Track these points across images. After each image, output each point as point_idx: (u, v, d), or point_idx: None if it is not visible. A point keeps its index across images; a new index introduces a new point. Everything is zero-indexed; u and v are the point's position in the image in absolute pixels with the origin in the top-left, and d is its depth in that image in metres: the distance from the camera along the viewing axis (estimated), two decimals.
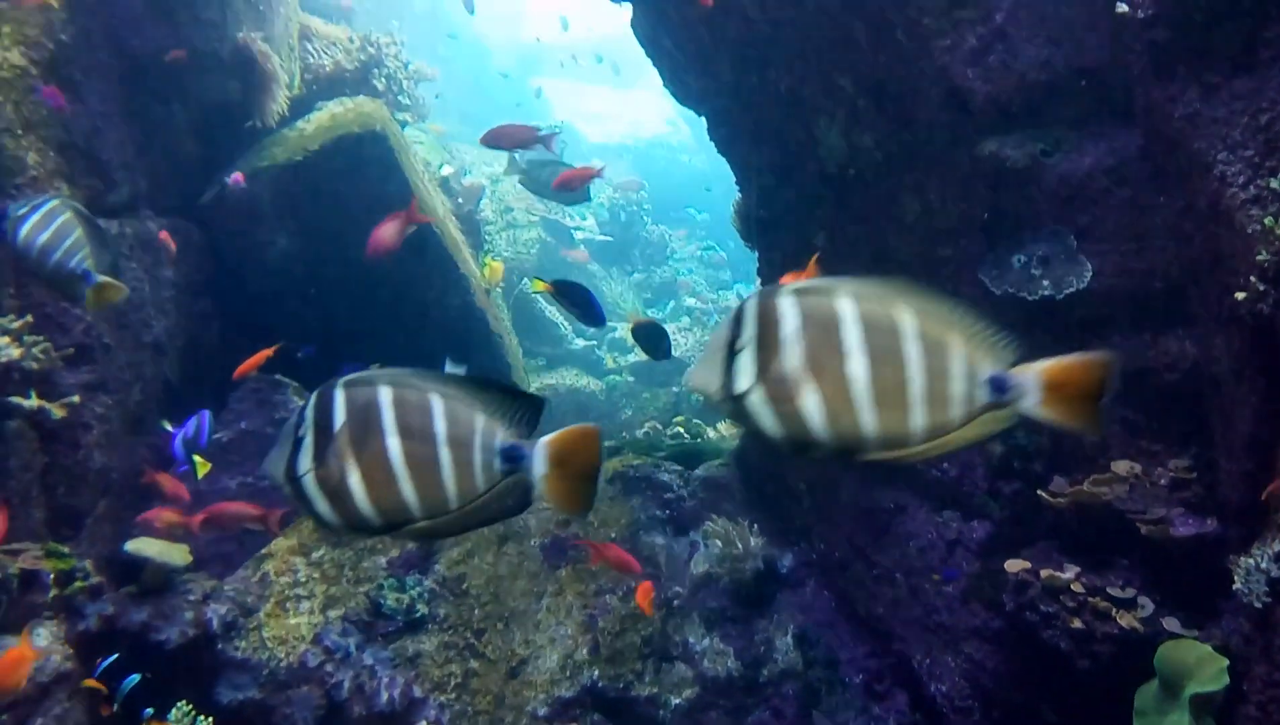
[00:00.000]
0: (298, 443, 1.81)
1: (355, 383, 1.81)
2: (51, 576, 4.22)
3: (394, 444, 1.78)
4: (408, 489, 1.79)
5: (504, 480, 1.83)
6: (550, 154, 5.43)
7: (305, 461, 1.80)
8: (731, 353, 1.69)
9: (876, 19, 4.31)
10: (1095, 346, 4.00)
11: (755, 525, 5.20)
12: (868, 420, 1.65)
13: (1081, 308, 3.97)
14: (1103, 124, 4.01)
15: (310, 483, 1.80)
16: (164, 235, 5.71)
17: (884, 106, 4.47)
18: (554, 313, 10.51)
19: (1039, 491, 4.04)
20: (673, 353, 4.92)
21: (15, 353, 4.30)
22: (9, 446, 4.36)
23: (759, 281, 5.60)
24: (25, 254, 3.43)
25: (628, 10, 5.57)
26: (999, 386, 1.67)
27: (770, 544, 5.16)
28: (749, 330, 1.68)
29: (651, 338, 4.93)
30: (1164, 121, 3.47)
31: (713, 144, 5.47)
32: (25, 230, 3.39)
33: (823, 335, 1.65)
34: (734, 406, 1.70)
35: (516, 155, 5.34)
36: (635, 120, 19.82)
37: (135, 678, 4.08)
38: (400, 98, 8.45)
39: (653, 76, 5.64)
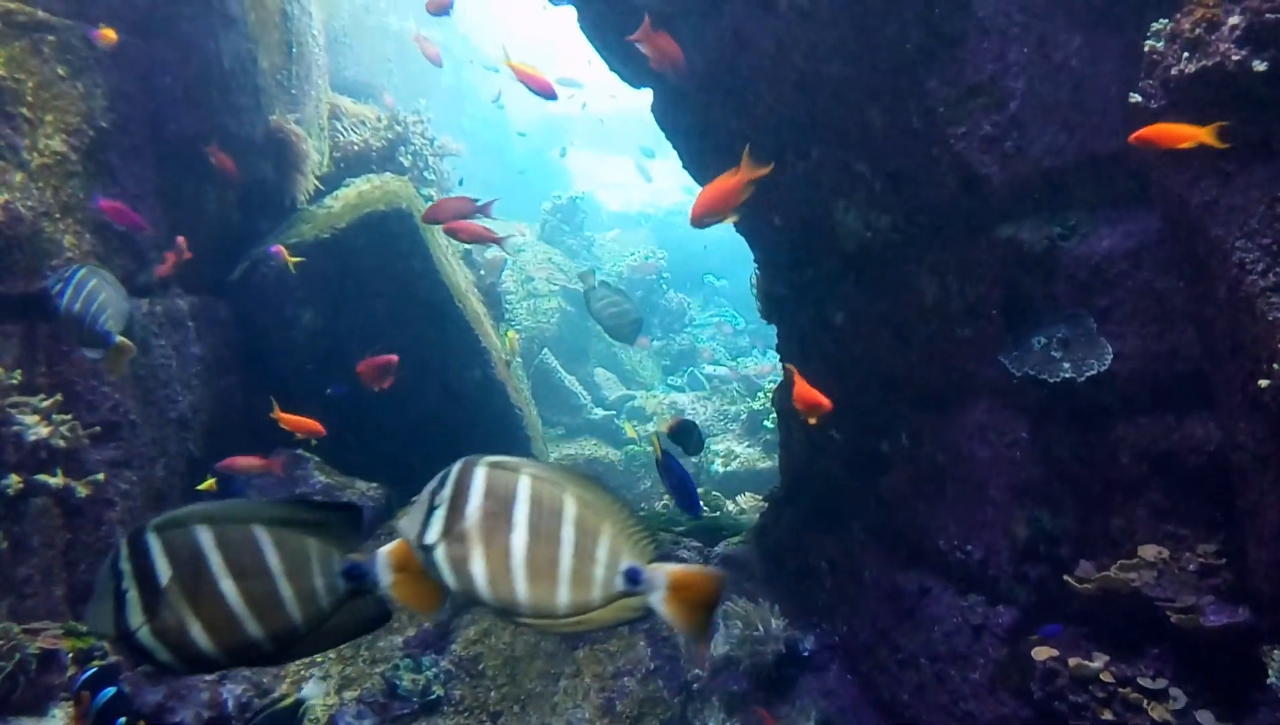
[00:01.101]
0: (120, 596, 1.76)
1: (168, 527, 1.79)
2: (70, 655, 4.22)
3: (229, 587, 1.78)
4: (253, 627, 1.80)
5: (351, 598, 1.88)
6: (618, 291, 5.70)
7: (135, 617, 1.76)
8: (431, 507, 1.82)
9: (892, 107, 4.40)
10: (1118, 431, 3.99)
11: (776, 606, 5.14)
12: (520, 589, 1.79)
13: (1103, 390, 3.96)
14: (1119, 208, 4.04)
15: (147, 637, 1.77)
16: (218, 156, 5.88)
17: (901, 190, 4.52)
18: (573, 382, 10.56)
19: (1065, 576, 3.98)
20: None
21: (44, 431, 4.37)
22: (33, 524, 4.40)
23: (778, 357, 5.62)
24: (65, 320, 3.91)
25: (648, 92, 5.70)
26: (633, 578, 1.80)
27: (792, 625, 5.09)
28: (446, 491, 1.82)
29: (685, 436, 5.03)
30: (1181, 208, 3.50)
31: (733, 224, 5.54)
32: (65, 300, 3.87)
33: (498, 508, 1.80)
34: (423, 555, 1.82)
35: (591, 295, 5.60)
36: (655, 189, 20.09)
37: (110, 691, 3.99)
38: (426, 173, 8.66)
39: (670, 148, 5.74)
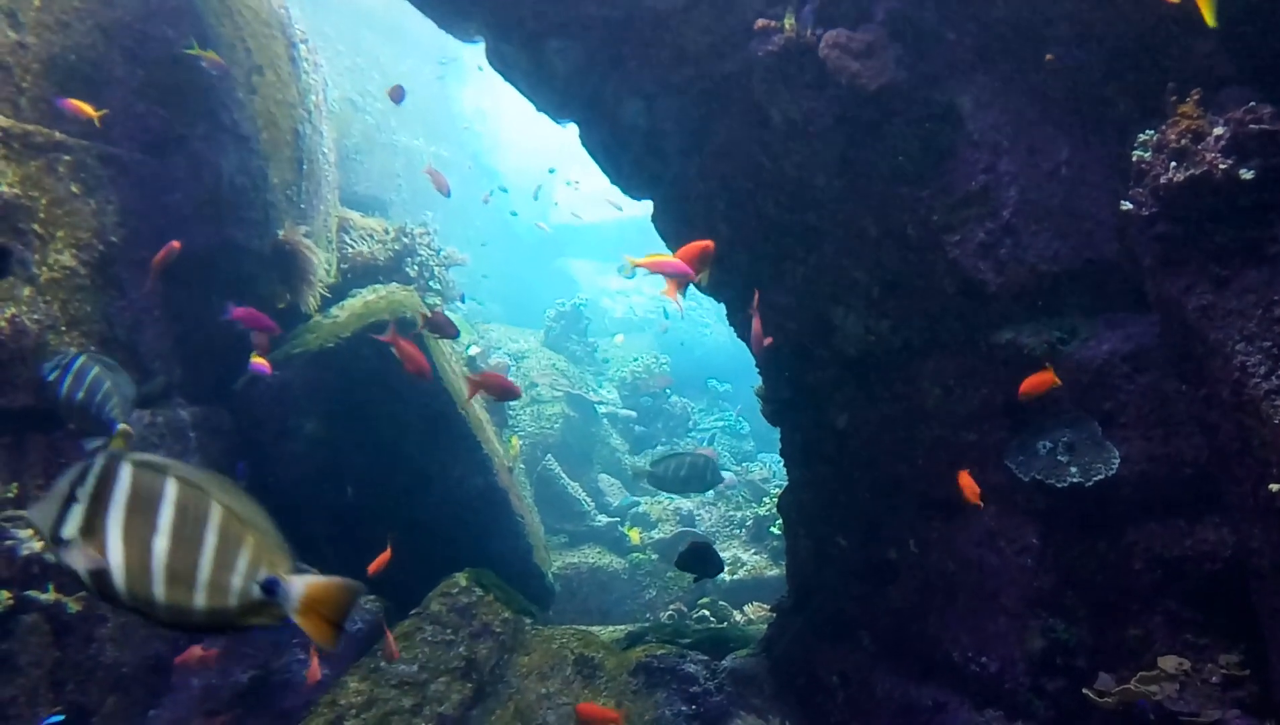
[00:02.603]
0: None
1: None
2: None
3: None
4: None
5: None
6: (670, 455, 5.96)
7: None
8: (70, 500, 1.82)
9: (887, 216, 4.48)
10: (1129, 537, 3.92)
11: (787, 723, 4.96)
12: (158, 592, 1.82)
13: (1112, 495, 3.90)
14: (1117, 312, 4.06)
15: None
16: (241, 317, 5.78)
17: (899, 296, 4.56)
18: (576, 489, 10.45)
19: (1084, 689, 3.85)
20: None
21: (37, 546, 4.31)
22: (21, 642, 4.30)
23: (783, 461, 5.57)
24: (65, 409, 3.98)
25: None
26: (270, 589, 1.88)
27: None
28: (88, 485, 1.82)
29: (699, 560, 5.05)
30: (1178, 312, 3.51)
31: (732, 329, 5.58)
32: (65, 389, 3.97)
33: (142, 508, 1.82)
34: (56, 548, 1.83)
35: (642, 462, 5.84)
36: (657, 296, 20.35)
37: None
38: (431, 283, 8.77)
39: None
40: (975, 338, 4.36)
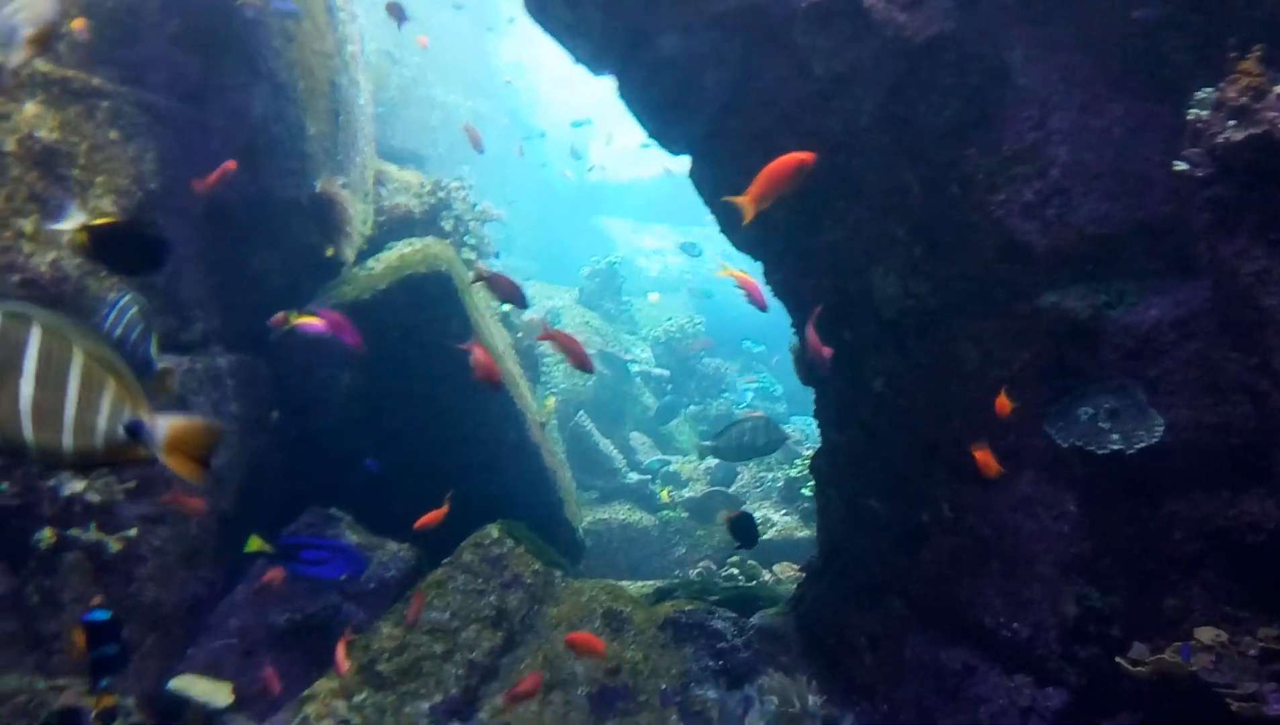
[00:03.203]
0: None
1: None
2: (94, 714, 4.16)
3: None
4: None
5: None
6: (731, 427, 5.94)
7: None
8: None
9: (930, 173, 4.37)
10: (1171, 506, 3.84)
11: (814, 681, 4.97)
12: (28, 434, 1.92)
13: (1154, 463, 3.82)
14: (1167, 276, 3.95)
15: None
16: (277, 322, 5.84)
17: (940, 256, 4.47)
18: (608, 446, 10.48)
19: (1118, 658, 3.80)
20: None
21: (79, 486, 4.40)
22: (63, 579, 4.40)
23: (817, 424, 5.53)
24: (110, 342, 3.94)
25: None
26: (134, 430, 1.98)
27: (830, 702, 4.91)
28: None
29: (743, 530, 5.09)
30: (1231, 277, 3.41)
31: (769, 287, 5.51)
32: (107, 325, 4.06)
33: (8, 356, 1.90)
34: None
35: (711, 442, 5.79)
36: (679, 242, 20.19)
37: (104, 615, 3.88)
38: (466, 238, 8.76)
39: (710, 214, 5.75)
40: (1018, 301, 4.26)
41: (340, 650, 4.77)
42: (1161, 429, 3.83)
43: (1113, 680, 3.93)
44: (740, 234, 5.62)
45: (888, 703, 4.88)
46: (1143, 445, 3.84)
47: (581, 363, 5.09)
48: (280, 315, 5.89)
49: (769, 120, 4.82)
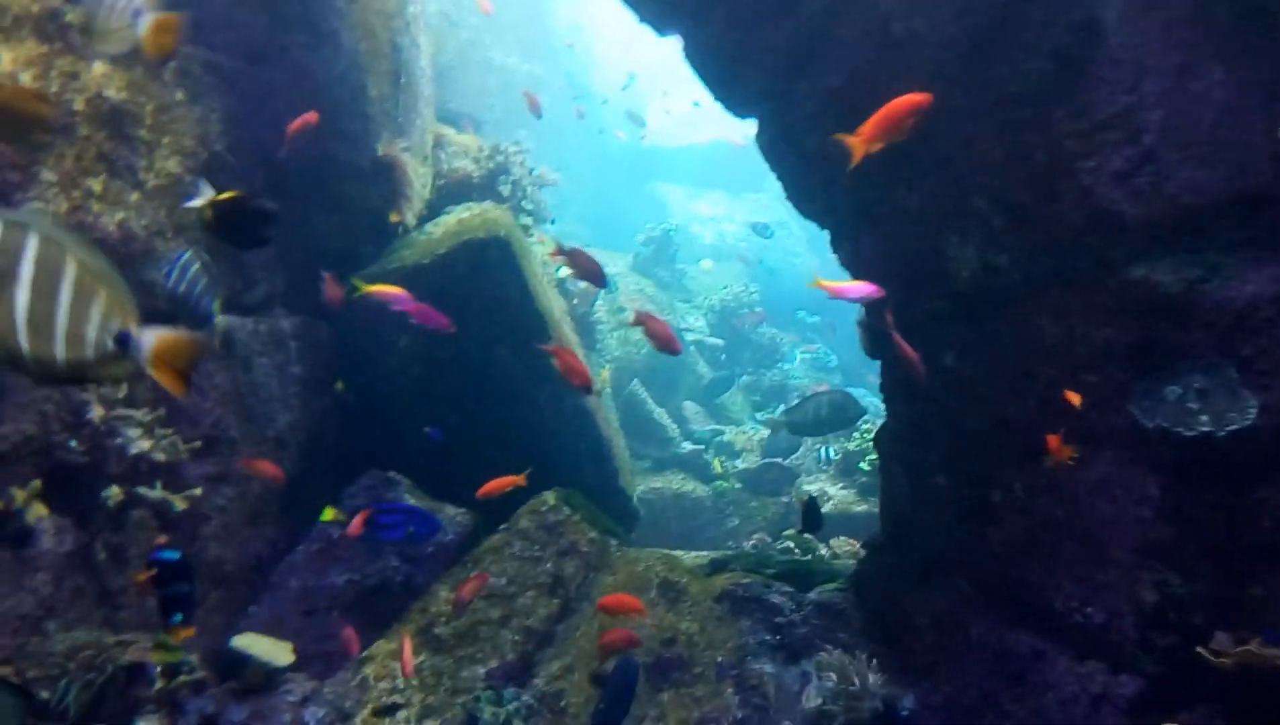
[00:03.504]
0: None
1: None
2: (158, 669, 4.23)
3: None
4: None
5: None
6: (804, 400, 5.87)
7: None
8: None
9: (1014, 138, 4.18)
10: (1260, 493, 3.66)
11: (874, 660, 4.88)
12: (24, 343, 1.95)
13: (1245, 447, 3.64)
14: (1265, 249, 3.73)
15: None
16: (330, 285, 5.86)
17: (1022, 226, 4.29)
18: (662, 415, 10.42)
19: (1198, 648, 3.65)
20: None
21: (145, 445, 4.44)
22: (129, 535, 4.46)
23: (882, 397, 5.39)
24: (169, 299, 4.25)
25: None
26: (122, 341, 2.02)
27: (890, 681, 4.82)
28: None
29: (811, 515, 5.12)
30: None
31: (835, 257, 5.36)
32: (170, 281, 4.23)
33: (6, 263, 1.92)
34: None
35: (784, 416, 5.72)
36: (748, 222, 19.94)
37: (175, 555, 3.93)
38: (524, 203, 8.69)
39: (767, 180, 5.60)
40: (1104, 274, 4.07)
41: (348, 633, 4.81)
42: (1254, 411, 3.65)
43: (1192, 670, 3.78)
44: (805, 200, 5.48)
45: (950, 684, 4.78)
46: (1234, 428, 3.66)
47: (669, 345, 5.02)
48: (330, 281, 5.89)
49: (842, 81, 4.65)
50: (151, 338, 2.05)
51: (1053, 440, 4.05)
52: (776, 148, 5.32)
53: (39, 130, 4.09)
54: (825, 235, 5.46)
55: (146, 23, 3.18)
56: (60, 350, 1.98)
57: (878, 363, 5.41)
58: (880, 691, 4.71)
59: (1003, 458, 4.56)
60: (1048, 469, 4.16)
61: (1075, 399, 4.04)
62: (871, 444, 8.62)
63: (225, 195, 3.55)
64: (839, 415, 6.04)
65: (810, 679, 5.05)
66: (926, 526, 5.03)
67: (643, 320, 5.11)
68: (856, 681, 4.78)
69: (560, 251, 5.55)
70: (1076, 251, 4.15)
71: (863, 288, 3.99)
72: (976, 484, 4.71)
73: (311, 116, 5.40)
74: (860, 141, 3.76)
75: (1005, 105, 4.17)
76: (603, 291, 11.47)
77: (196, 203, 3.54)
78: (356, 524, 4.77)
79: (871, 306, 5.18)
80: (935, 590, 4.96)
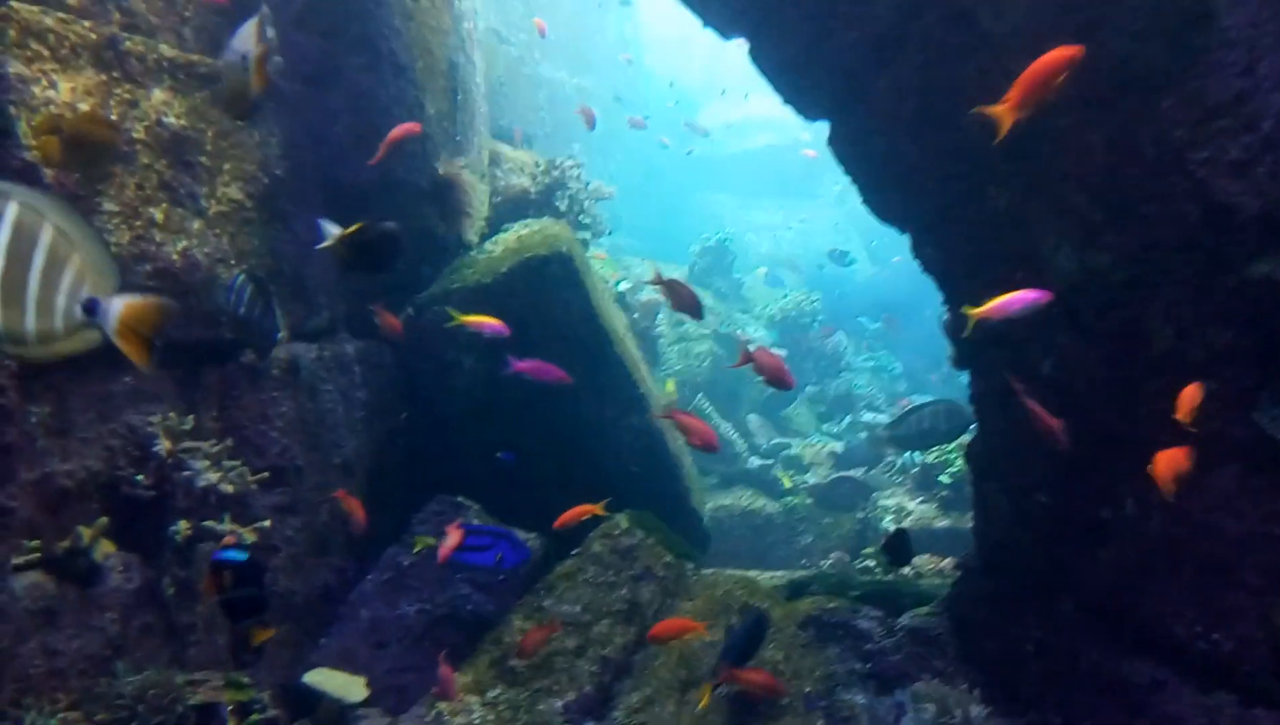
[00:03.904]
0: None
1: None
2: (229, 708, 4.11)
3: None
4: None
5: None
6: (911, 413, 5.66)
7: None
8: None
9: (1118, 130, 3.89)
10: None
11: (976, 690, 4.59)
12: None
13: None
14: None
15: None
16: (384, 317, 5.79)
17: (1126, 224, 3.99)
18: (728, 429, 10.18)
19: None
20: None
21: (214, 477, 4.34)
22: (199, 570, 4.36)
23: (973, 408, 5.10)
24: (232, 321, 4.34)
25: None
26: (90, 309, 1.95)
27: (994, 714, 4.52)
28: None
29: (899, 547, 4.95)
30: None
31: (918, 261, 5.09)
32: (232, 301, 4.27)
33: None
34: None
35: (887, 430, 5.52)
36: (804, 230, 19.63)
37: (242, 555, 3.77)
38: (581, 217, 8.55)
39: (821, 185, 5.38)
40: (1221, 272, 3.76)
41: (446, 672, 4.62)
42: None
43: None
44: (883, 202, 5.22)
45: (1059, 716, 4.46)
46: None
47: (782, 380, 4.79)
48: (381, 312, 5.79)
49: (922, 79, 4.40)
50: (120, 305, 2.00)
51: (1163, 457, 3.71)
52: (851, 150, 5.08)
53: (107, 158, 4.02)
54: (883, 242, 5.22)
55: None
56: (30, 322, 1.92)
57: (941, 367, 5.15)
58: (984, 724, 4.42)
59: (1112, 472, 4.24)
60: (1175, 478, 3.84)
61: (1191, 406, 3.70)
62: (952, 456, 8.30)
63: (352, 229, 3.65)
64: (945, 426, 5.75)
65: (905, 710, 4.77)
66: (1027, 547, 4.72)
67: (754, 356, 4.86)
68: (958, 713, 4.50)
69: (659, 281, 5.36)
70: (1190, 249, 3.84)
71: (1023, 298, 3.64)
72: (1083, 501, 4.40)
73: (415, 127, 5.34)
74: (1008, 109, 3.46)
75: (1108, 95, 3.89)
76: (663, 305, 11.30)
77: (329, 242, 3.63)
78: (447, 548, 4.62)
79: (959, 317, 4.91)
80: (1040, 615, 4.65)
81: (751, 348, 5.08)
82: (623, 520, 5.88)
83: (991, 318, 3.79)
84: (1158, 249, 3.93)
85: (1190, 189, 3.75)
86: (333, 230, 3.66)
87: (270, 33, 3.43)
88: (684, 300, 5.31)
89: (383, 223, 3.79)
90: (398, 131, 5.30)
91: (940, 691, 4.58)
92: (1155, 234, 3.91)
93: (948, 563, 6.76)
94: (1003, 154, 4.30)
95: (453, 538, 4.65)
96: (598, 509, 5.21)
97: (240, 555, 3.57)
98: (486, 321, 5.27)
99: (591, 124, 11.31)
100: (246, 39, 3.23)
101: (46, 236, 1.93)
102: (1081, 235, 4.15)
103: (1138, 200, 3.93)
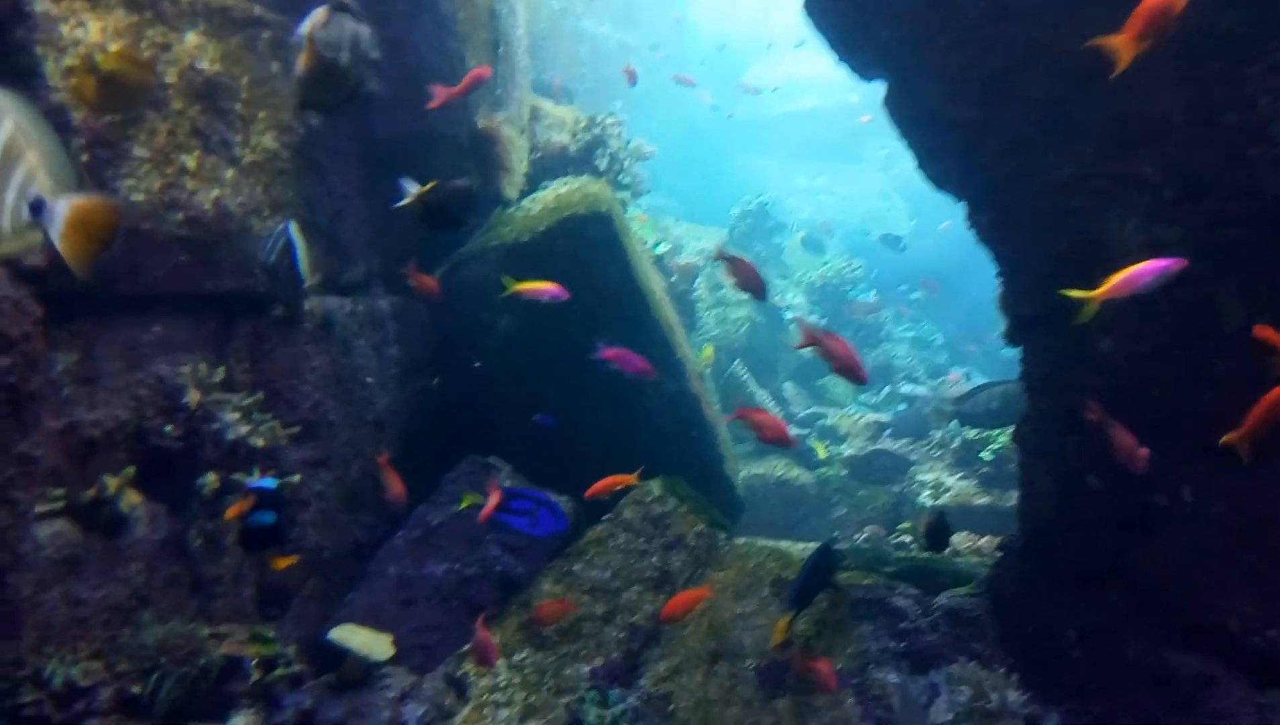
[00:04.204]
0: None
1: None
2: (254, 662, 4.08)
3: None
4: None
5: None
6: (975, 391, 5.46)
7: None
8: None
9: (1196, 99, 3.65)
10: None
11: (1014, 675, 4.45)
12: None
13: None
14: None
15: None
16: (418, 278, 5.72)
17: (1200, 197, 3.77)
18: (764, 397, 10.02)
19: None
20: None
21: (244, 430, 4.29)
22: (227, 524, 4.32)
23: (1023, 384, 4.90)
24: (263, 269, 4.31)
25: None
26: (36, 207, 1.86)
27: (1033, 700, 4.39)
28: None
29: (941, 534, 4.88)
30: None
31: (973, 231, 4.88)
32: (265, 249, 4.25)
33: None
34: None
35: (953, 406, 5.33)
36: (846, 195, 19.24)
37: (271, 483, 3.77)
38: (621, 176, 8.37)
39: (867, 149, 5.16)
40: None
41: (481, 629, 4.55)
42: None
43: None
44: (940, 170, 5.00)
45: (1100, 706, 4.32)
46: None
47: (854, 372, 4.52)
48: (414, 272, 5.66)
49: (988, 39, 4.17)
50: (66, 206, 1.91)
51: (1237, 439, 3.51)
52: (907, 112, 4.86)
53: (141, 101, 3.91)
54: (930, 208, 5.00)
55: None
56: None
57: (983, 339, 4.95)
58: (1022, 710, 4.30)
59: (1169, 457, 4.05)
60: (1236, 466, 3.63)
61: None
62: (995, 432, 8.10)
63: (427, 187, 3.68)
64: (1013, 407, 5.55)
65: (940, 691, 4.65)
66: (1075, 530, 4.55)
67: (820, 339, 4.53)
68: (994, 697, 4.38)
69: (723, 257, 5.18)
70: (1266, 225, 3.61)
71: (1152, 269, 3.32)
72: (1136, 486, 4.20)
73: (485, 71, 5.26)
74: (1128, 41, 3.15)
75: (1190, 61, 3.65)
76: (701, 269, 11.12)
77: (407, 201, 3.65)
78: (488, 509, 4.54)
79: (1015, 290, 4.71)
80: (1084, 601, 4.49)
81: (817, 332, 4.87)
82: (655, 487, 5.78)
83: (1117, 296, 3.43)
84: (1233, 223, 3.71)
85: (1272, 161, 3.52)
86: (412, 188, 3.66)
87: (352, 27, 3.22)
88: (749, 279, 5.12)
89: (456, 181, 3.82)
90: (466, 79, 5.11)
91: (977, 674, 4.46)
92: (1231, 207, 3.69)
93: (985, 541, 6.59)
94: (1066, 124, 4.08)
95: (493, 498, 4.57)
96: (631, 479, 5.11)
97: (270, 483, 3.57)
98: (543, 287, 5.13)
99: (633, 81, 11.08)
100: (311, 21, 3.12)
101: (4, 133, 1.86)
102: (1150, 206, 3.94)
103: (1214, 173, 3.70)
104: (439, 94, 4.98)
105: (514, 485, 5.81)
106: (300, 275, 4.26)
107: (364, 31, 3.23)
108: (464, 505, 4.74)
